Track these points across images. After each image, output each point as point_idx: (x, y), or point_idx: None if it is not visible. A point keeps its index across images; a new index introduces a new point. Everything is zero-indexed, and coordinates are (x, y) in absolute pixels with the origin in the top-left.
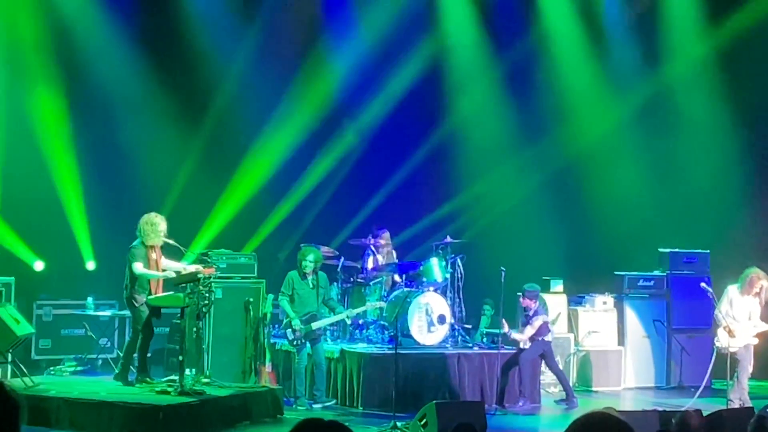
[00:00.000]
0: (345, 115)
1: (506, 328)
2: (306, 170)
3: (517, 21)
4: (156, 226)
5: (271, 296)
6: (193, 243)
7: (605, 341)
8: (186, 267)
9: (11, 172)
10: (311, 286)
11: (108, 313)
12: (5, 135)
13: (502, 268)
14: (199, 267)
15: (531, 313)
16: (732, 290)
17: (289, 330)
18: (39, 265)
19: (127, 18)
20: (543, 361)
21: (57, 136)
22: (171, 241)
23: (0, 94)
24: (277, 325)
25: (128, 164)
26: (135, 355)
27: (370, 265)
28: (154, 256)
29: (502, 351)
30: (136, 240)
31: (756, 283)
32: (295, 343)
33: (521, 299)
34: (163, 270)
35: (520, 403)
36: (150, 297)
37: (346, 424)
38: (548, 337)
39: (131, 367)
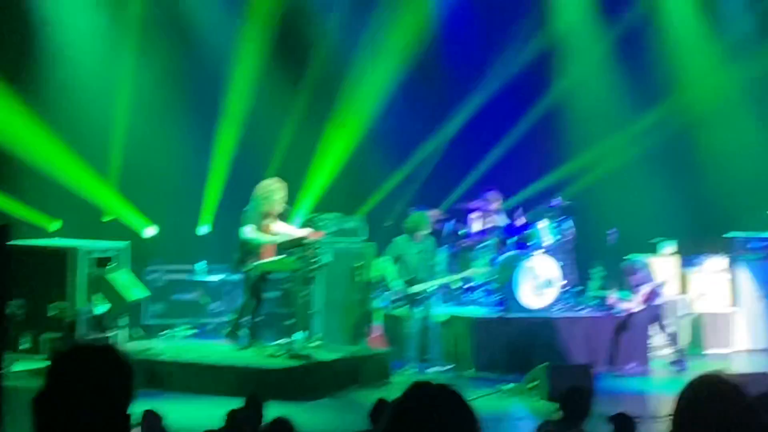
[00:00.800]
0: (455, 79)
1: (613, 299)
2: (416, 134)
3: None
4: (273, 192)
5: (379, 260)
6: (301, 206)
7: (717, 303)
8: (296, 231)
9: (128, 141)
10: (419, 250)
11: (219, 277)
12: (124, 103)
13: (610, 230)
14: (308, 231)
15: (635, 283)
16: None
17: (390, 292)
18: (150, 231)
19: None
20: (654, 324)
21: (169, 102)
22: (288, 207)
23: (117, 62)
24: (385, 289)
25: (236, 128)
26: (246, 318)
27: (477, 228)
28: (267, 221)
29: (611, 314)
30: (250, 204)
31: None
32: (394, 306)
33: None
34: (274, 234)
35: (630, 366)
36: (260, 261)
37: (456, 387)
38: (658, 302)
39: (243, 330)
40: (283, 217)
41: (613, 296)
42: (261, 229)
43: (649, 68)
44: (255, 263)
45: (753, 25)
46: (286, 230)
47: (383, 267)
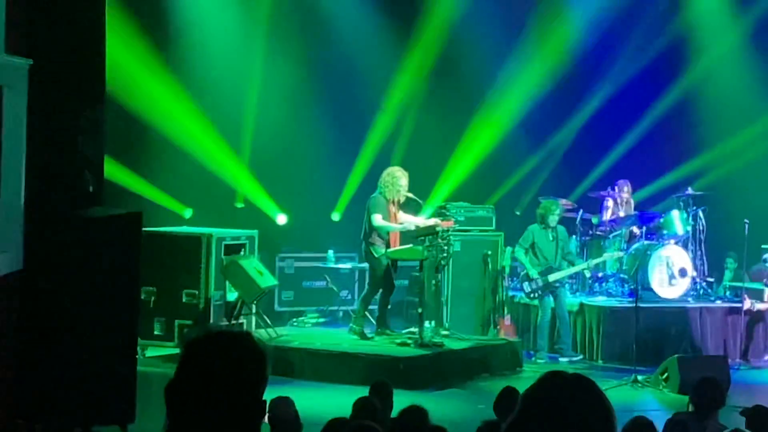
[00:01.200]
0: (586, 66)
1: (748, 304)
2: (546, 123)
3: None
4: (397, 179)
5: (509, 249)
6: (431, 196)
7: None
8: (424, 220)
9: (260, 128)
10: (551, 239)
11: (348, 265)
12: (256, 92)
13: (746, 220)
14: (437, 220)
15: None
16: None
17: (526, 282)
18: (282, 219)
19: None
20: None
21: (302, 91)
22: (410, 195)
23: (247, 52)
24: (515, 278)
25: (367, 117)
26: (372, 307)
27: (609, 217)
28: (392, 209)
29: (747, 305)
30: (375, 191)
31: None
32: (531, 295)
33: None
34: (401, 224)
35: (766, 358)
36: (389, 249)
37: (590, 377)
38: None
39: (370, 319)
40: (416, 208)
41: (747, 301)
42: (389, 217)
43: None
44: (383, 251)
45: None
46: (413, 220)
47: (518, 256)
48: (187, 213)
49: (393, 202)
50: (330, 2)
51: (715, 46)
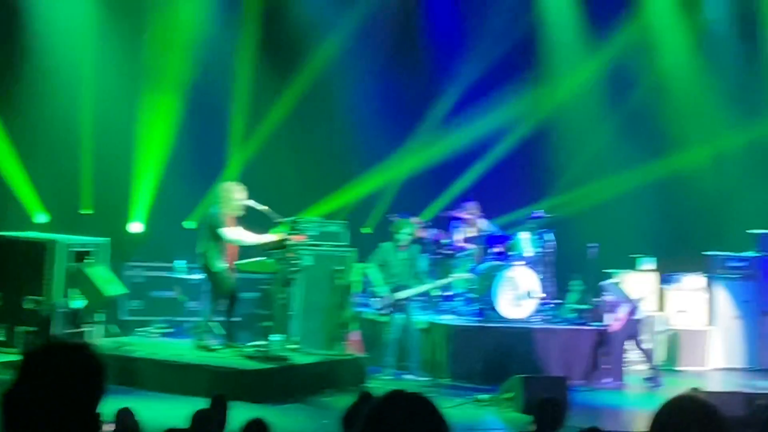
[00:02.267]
0: (444, 85)
1: (613, 322)
2: (400, 141)
3: None
4: (232, 194)
5: (360, 265)
6: (283, 210)
7: (694, 321)
8: (271, 237)
9: (102, 135)
10: (402, 257)
11: (198, 276)
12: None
13: (591, 245)
14: (282, 235)
15: (610, 305)
16: None
17: (375, 299)
18: (136, 227)
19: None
20: (630, 340)
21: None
22: (255, 205)
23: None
24: (365, 294)
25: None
26: (219, 320)
27: (459, 237)
28: (231, 224)
29: (589, 327)
30: (214, 207)
31: None
32: (381, 312)
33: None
34: (250, 238)
35: (606, 381)
36: (240, 261)
37: (432, 395)
38: (637, 317)
39: (217, 331)
40: (270, 221)
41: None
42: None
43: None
44: (224, 265)
45: None
46: (256, 239)
47: (369, 273)
48: (42, 218)
49: (231, 216)
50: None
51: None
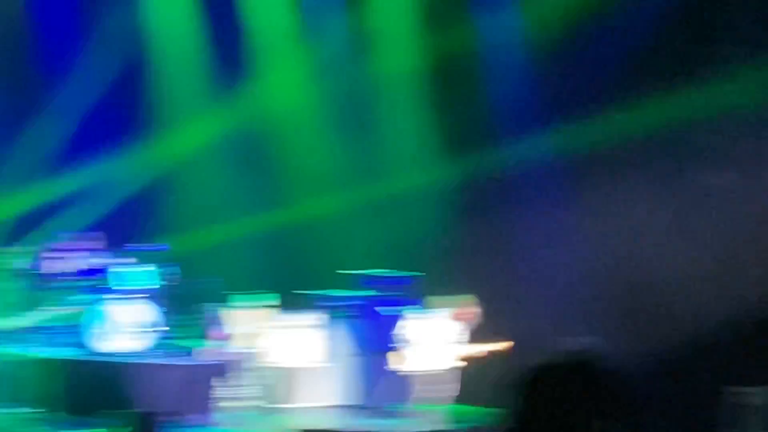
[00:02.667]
0: None
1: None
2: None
3: None
4: None
5: None
6: None
7: (303, 359)
8: None
9: None
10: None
11: None
12: None
13: (210, 279)
14: None
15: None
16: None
17: None
18: None
19: None
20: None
21: None
22: None
23: None
24: None
25: None
26: None
27: (57, 268)
28: None
29: (182, 362)
30: None
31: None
32: None
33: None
34: None
35: (193, 416)
36: None
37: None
38: (228, 354)
39: None
40: None
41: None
42: None
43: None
44: None
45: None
46: None
47: None
48: None
49: None
50: None
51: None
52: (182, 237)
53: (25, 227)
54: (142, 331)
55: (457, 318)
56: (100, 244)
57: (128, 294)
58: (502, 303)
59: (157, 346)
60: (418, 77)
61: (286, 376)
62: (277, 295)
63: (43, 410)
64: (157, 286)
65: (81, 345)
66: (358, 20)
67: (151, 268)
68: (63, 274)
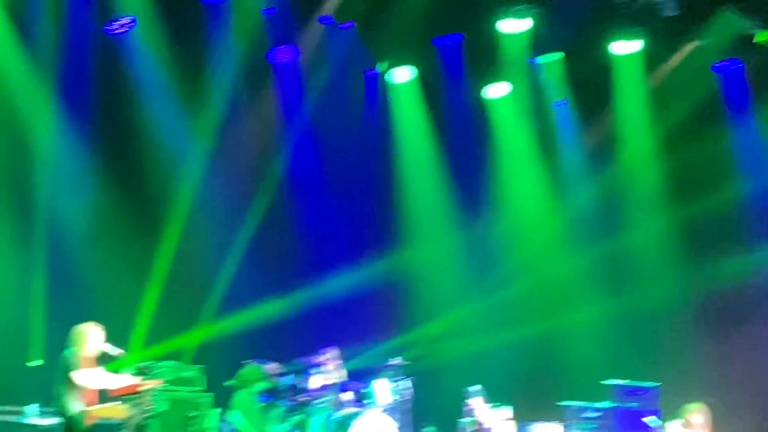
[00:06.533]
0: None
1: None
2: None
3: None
4: (87, 335)
5: (217, 411)
6: (139, 352)
7: None
8: (118, 380)
9: None
10: (257, 403)
11: (50, 421)
12: None
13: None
14: (137, 379)
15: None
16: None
17: None
18: None
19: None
20: None
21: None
22: (108, 349)
23: None
24: None
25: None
26: None
27: (316, 383)
28: (88, 364)
29: None
30: (68, 349)
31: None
32: None
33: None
34: (104, 381)
35: None
36: (92, 407)
37: None
38: None
39: None
40: (118, 362)
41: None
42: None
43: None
44: (79, 409)
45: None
46: (111, 378)
47: (233, 420)
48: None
49: (87, 358)
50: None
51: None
52: (415, 349)
53: (266, 343)
54: None
55: (689, 426)
56: (338, 359)
57: (369, 407)
58: (738, 411)
59: None
60: (661, 187)
61: None
62: (514, 405)
63: None
64: (394, 400)
65: None
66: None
67: (387, 381)
68: (309, 390)
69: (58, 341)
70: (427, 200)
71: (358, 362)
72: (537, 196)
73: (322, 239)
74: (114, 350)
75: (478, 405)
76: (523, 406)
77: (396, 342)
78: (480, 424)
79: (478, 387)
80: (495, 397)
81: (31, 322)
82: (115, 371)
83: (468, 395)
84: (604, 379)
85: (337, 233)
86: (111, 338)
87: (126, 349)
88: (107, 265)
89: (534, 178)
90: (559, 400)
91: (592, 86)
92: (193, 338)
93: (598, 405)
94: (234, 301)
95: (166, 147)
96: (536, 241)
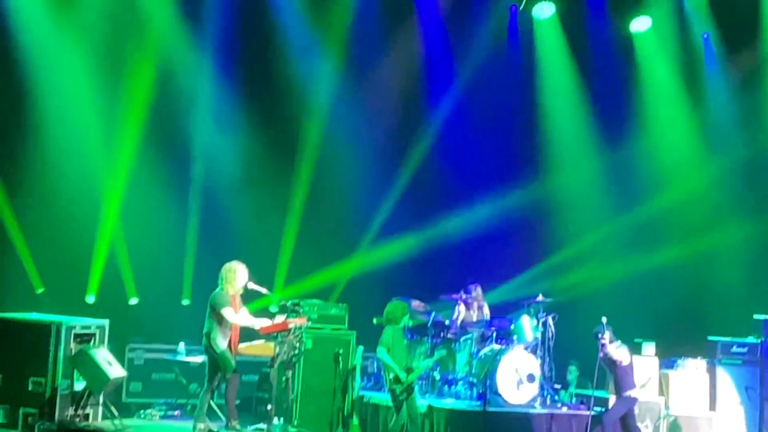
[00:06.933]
0: (441, 162)
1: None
2: (396, 223)
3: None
4: (236, 273)
5: (361, 348)
6: (282, 291)
7: (696, 407)
8: (259, 321)
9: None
10: (403, 339)
11: (199, 358)
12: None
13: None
14: (283, 317)
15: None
16: None
17: (398, 385)
18: (133, 301)
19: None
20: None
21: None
22: (255, 287)
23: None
24: (366, 378)
25: (222, 210)
26: (220, 401)
27: (460, 320)
28: (236, 303)
29: (591, 412)
30: (218, 288)
31: None
32: (401, 398)
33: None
34: (252, 319)
35: None
36: (242, 344)
37: None
38: (634, 393)
39: (219, 414)
40: (265, 301)
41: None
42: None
43: (632, 161)
44: (225, 346)
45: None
46: (253, 320)
47: (381, 357)
48: (40, 289)
49: (235, 296)
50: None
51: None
52: (557, 283)
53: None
54: (528, 382)
55: None
56: (481, 296)
57: (514, 345)
58: None
59: (544, 396)
60: None
61: (685, 424)
62: (658, 340)
63: None
64: (538, 337)
65: (472, 396)
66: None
67: (531, 319)
68: (456, 325)
69: (207, 281)
70: (569, 131)
71: (501, 296)
72: (680, 126)
73: (464, 173)
74: (261, 289)
75: (609, 339)
76: (665, 340)
77: (538, 272)
78: (612, 357)
79: (604, 320)
80: (637, 332)
81: (185, 263)
82: (262, 310)
83: (599, 330)
84: (750, 312)
85: (479, 167)
86: (257, 278)
87: (272, 289)
88: (254, 207)
89: (678, 110)
90: (704, 335)
91: (737, 19)
92: (337, 276)
93: (744, 340)
94: (377, 237)
95: (303, 82)
96: (679, 166)
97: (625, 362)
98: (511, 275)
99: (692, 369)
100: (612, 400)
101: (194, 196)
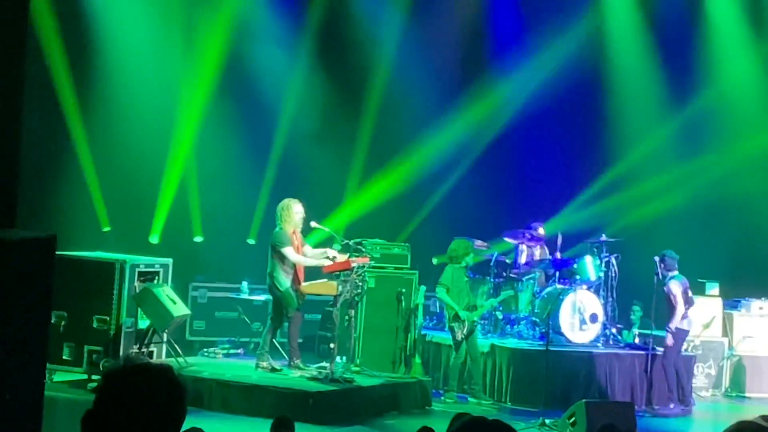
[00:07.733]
0: (503, 113)
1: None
2: (461, 163)
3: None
4: (292, 210)
5: (423, 287)
6: (344, 229)
7: (761, 347)
8: (327, 252)
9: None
10: (465, 278)
11: (262, 297)
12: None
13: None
14: (345, 256)
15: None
16: None
17: (457, 323)
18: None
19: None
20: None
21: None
22: (318, 225)
23: (167, 76)
24: (428, 317)
25: (292, 152)
26: (283, 340)
27: (523, 260)
28: (296, 241)
29: (653, 352)
30: (276, 227)
31: None
32: (461, 337)
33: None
34: (313, 256)
35: (671, 406)
36: (304, 284)
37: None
38: (685, 325)
39: (281, 352)
40: (330, 241)
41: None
42: (294, 250)
43: (699, 109)
44: (289, 284)
45: None
46: (318, 252)
47: (441, 296)
48: (106, 227)
49: (294, 233)
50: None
51: (629, 92)
52: (621, 223)
53: (482, 220)
54: (591, 322)
55: None
56: (544, 235)
57: (577, 284)
58: None
59: (607, 336)
60: None
61: (749, 365)
62: (722, 281)
63: (491, 402)
64: (600, 277)
65: (535, 336)
66: None
67: (594, 258)
68: (519, 264)
69: (273, 222)
70: (638, 85)
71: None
72: (748, 68)
73: (525, 115)
74: (322, 227)
75: (667, 267)
76: (729, 281)
77: (600, 208)
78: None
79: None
80: (699, 271)
81: (257, 204)
82: (324, 248)
83: (660, 257)
84: None
85: (544, 115)
86: (320, 218)
87: (334, 228)
88: (325, 154)
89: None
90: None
91: None
92: (402, 218)
93: None
94: (439, 179)
95: (371, 32)
96: (747, 119)
97: (676, 293)
98: (574, 215)
99: (756, 309)
100: (669, 338)
101: (268, 140)
